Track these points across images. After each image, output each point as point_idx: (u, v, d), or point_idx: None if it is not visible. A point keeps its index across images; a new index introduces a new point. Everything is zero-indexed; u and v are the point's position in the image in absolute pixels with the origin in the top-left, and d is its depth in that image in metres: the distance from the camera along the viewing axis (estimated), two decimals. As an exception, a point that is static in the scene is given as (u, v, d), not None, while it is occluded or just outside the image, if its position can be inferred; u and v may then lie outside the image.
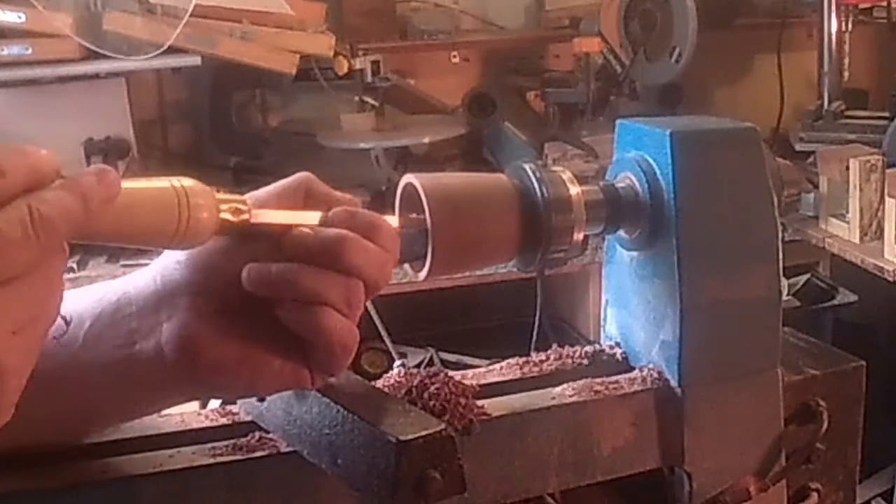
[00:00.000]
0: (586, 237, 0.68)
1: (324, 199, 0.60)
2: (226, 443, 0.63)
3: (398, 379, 0.66)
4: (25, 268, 0.45)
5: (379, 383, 0.66)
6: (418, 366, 1.53)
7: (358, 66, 2.30)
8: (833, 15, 2.46)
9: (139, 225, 0.50)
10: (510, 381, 0.72)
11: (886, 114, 2.43)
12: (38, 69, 2.09)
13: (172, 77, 2.51)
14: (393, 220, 0.62)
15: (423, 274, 0.64)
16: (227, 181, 2.35)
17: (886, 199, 1.84)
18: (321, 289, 0.55)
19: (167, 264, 0.58)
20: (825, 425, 0.73)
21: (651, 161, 0.69)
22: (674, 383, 0.70)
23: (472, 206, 0.65)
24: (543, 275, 0.80)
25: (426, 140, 2.37)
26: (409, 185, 0.65)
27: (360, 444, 0.57)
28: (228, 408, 0.67)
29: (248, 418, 0.65)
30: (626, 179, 0.71)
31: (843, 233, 1.96)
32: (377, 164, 2.28)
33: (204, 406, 0.67)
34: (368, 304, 0.59)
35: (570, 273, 2.05)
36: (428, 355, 2.37)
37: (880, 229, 1.88)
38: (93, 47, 2.05)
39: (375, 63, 2.32)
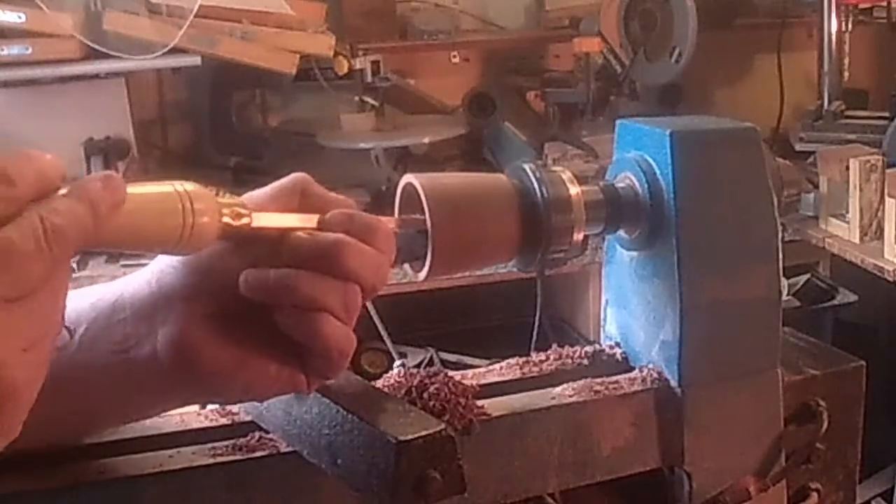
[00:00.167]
0: (586, 237, 0.68)
1: (320, 200, 0.60)
2: (226, 443, 0.63)
3: (398, 379, 0.66)
4: (38, 282, 0.44)
5: (379, 383, 0.66)
6: (418, 366, 1.53)
7: (358, 66, 2.30)
8: (833, 15, 2.46)
9: (143, 231, 0.50)
10: (510, 381, 0.72)
11: (886, 114, 2.43)
12: (38, 69, 2.09)
13: (172, 77, 2.51)
14: (389, 221, 0.61)
15: (423, 274, 0.64)
16: (227, 181, 2.35)
17: (886, 199, 1.84)
18: (319, 295, 0.55)
19: (163, 268, 0.58)
20: (825, 425, 0.73)
21: (651, 161, 0.69)
22: (674, 383, 0.70)
23: (471, 206, 0.65)
24: (543, 275, 0.80)
25: (426, 140, 2.37)
26: (409, 185, 0.65)
27: (360, 444, 0.57)
28: (228, 408, 0.67)
29: (248, 418, 0.65)
30: (626, 179, 0.71)
31: (843, 233, 1.96)
32: (377, 164, 2.28)
33: (204, 406, 0.67)
34: (368, 304, 0.59)
35: (570, 273, 2.05)
36: (428, 355, 2.36)
37: (880, 229, 1.88)
38: (96, 46, 2.05)
39: (375, 63, 2.32)
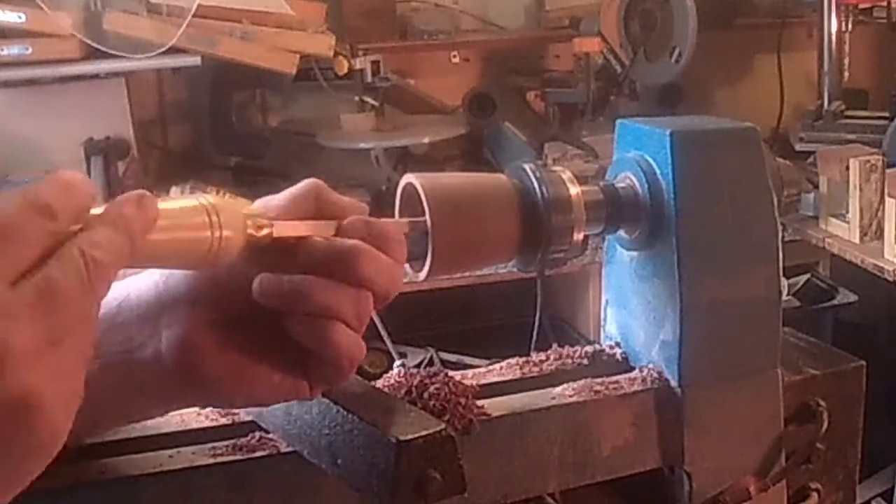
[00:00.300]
0: (586, 237, 0.68)
1: (334, 206, 0.59)
2: (226, 443, 0.63)
3: (398, 379, 0.66)
4: (81, 321, 0.43)
5: (379, 383, 0.66)
6: (418, 366, 1.53)
7: (358, 66, 2.30)
8: (833, 15, 2.46)
9: (173, 249, 0.49)
10: (510, 381, 0.72)
11: (886, 114, 2.43)
12: (39, 69, 2.09)
13: (172, 77, 2.51)
14: (402, 225, 0.61)
15: (423, 274, 0.64)
16: (227, 181, 2.35)
17: (886, 199, 1.83)
18: (333, 303, 0.55)
19: (170, 270, 0.58)
20: (825, 425, 0.73)
21: (651, 161, 0.69)
22: (674, 383, 0.70)
23: (471, 206, 0.65)
24: (543, 275, 0.80)
25: (426, 140, 2.37)
26: (409, 185, 0.65)
27: (360, 445, 0.57)
28: (228, 408, 0.67)
29: (248, 418, 0.65)
30: (626, 179, 0.71)
31: (843, 233, 1.96)
32: (377, 164, 2.28)
33: (204, 406, 0.67)
34: (368, 304, 0.59)
35: (570, 273, 2.05)
36: (428, 355, 2.36)
37: (880, 229, 1.88)
38: (96, 46, 2.05)
39: (375, 63, 2.32)
